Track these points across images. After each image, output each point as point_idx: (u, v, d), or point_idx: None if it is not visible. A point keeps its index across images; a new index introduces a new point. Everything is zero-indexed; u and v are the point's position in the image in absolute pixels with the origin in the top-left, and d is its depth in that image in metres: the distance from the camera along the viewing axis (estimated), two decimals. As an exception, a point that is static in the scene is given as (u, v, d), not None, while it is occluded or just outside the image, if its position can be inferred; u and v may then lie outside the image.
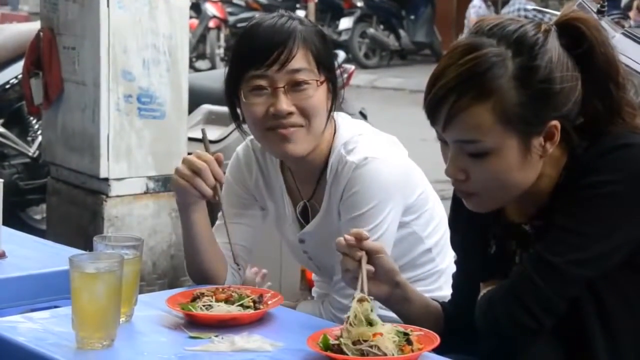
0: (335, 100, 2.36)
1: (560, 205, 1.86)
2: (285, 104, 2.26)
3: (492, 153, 1.83)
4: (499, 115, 1.80)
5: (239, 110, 2.38)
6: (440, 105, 1.82)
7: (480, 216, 2.02)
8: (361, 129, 2.42)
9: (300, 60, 2.28)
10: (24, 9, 14.97)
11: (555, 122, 1.83)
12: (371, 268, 1.97)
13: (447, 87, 1.81)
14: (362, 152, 2.32)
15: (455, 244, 2.16)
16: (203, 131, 2.32)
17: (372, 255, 1.98)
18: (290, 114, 2.27)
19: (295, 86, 2.28)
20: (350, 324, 1.82)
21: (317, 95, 2.30)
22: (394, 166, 2.34)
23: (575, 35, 1.86)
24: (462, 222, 2.09)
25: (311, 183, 2.42)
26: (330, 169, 2.35)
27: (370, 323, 1.83)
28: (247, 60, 2.29)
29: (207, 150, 2.28)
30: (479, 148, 1.83)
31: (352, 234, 1.97)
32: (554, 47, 1.83)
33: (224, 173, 2.29)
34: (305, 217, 2.46)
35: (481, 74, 1.80)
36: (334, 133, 2.38)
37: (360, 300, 1.85)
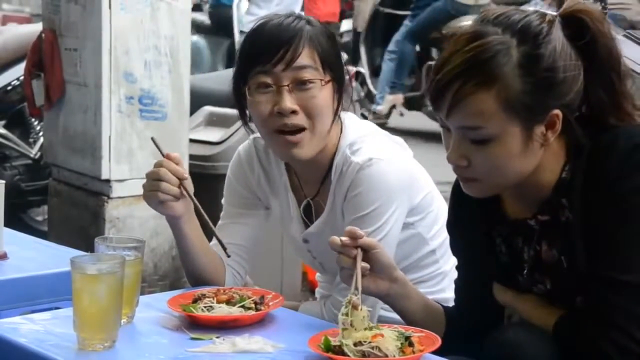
0: (341, 101, 2.36)
1: (584, 208, 1.86)
2: (289, 102, 2.26)
3: (494, 140, 1.84)
4: (502, 102, 1.81)
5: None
6: (445, 91, 1.83)
7: (481, 216, 2.02)
8: (367, 129, 2.42)
9: (306, 59, 2.28)
10: (25, 10, 14.97)
11: (557, 111, 1.85)
12: (366, 265, 1.98)
13: (451, 74, 1.82)
14: (366, 153, 2.32)
15: (455, 248, 2.15)
16: (153, 139, 2.29)
17: (368, 252, 1.99)
18: (294, 112, 2.27)
19: (300, 85, 2.28)
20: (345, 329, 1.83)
21: (322, 95, 2.30)
22: (399, 167, 2.34)
23: (579, 27, 1.87)
24: (462, 224, 2.09)
25: (316, 182, 2.42)
26: (335, 169, 2.35)
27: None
28: (254, 58, 2.29)
29: (161, 154, 2.25)
30: (482, 134, 1.84)
31: (346, 234, 1.98)
32: (557, 37, 1.85)
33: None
34: (308, 215, 2.46)
35: (486, 61, 1.81)
36: (341, 133, 2.38)
37: (354, 307, 1.85)
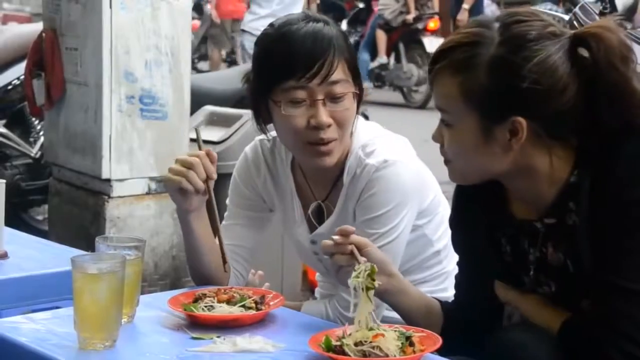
0: (360, 106, 2.36)
1: (591, 212, 1.85)
2: (325, 116, 2.26)
3: (453, 126, 1.90)
4: (464, 91, 1.86)
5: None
6: (430, 68, 1.92)
7: (487, 216, 2.02)
8: (377, 131, 2.42)
9: (339, 73, 2.27)
10: (26, 9, 14.98)
11: (519, 119, 1.84)
12: (364, 258, 1.98)
13: (439, 51, 1.91)
14: (381, 155, 2.32)
15: (457, 243, 2.15)
16: (197, 130, 2.32)
17: (360, 250, 2.00)
18: (329, 125, 2.27)
19: (333, 98, 2.27)
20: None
21: (352, 106, 2.31)
22: (412, 169, 2.35)
23: (588, 51, 1.85)
24: (466, 221, 2.09)
25: (326, 185, 2.41)
26: (347, 172, 2.35)
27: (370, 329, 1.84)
28: (287, 70, 2.26)
29: (200, 148, 2.27)
30: (445, 117, 1.91)
31: (337, 233, 2.00)
32: (550, 51, 1.83)
33: (217, 169, 2.28)
34: (318, 218, 2.45)
35: (462, 46, 1.87)
36: (351, 135, 2.37)
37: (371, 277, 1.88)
